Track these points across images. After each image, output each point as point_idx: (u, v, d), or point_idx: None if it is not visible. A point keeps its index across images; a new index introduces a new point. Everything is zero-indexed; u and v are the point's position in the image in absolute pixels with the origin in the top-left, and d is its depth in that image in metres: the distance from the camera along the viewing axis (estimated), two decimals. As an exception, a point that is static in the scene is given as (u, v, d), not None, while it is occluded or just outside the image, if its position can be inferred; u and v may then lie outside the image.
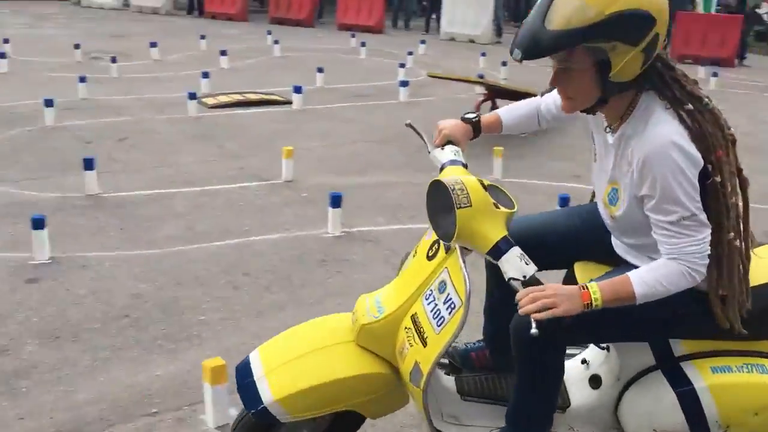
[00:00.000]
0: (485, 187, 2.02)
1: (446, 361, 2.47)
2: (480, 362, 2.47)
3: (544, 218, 2.41)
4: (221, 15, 17.89)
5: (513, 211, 2.04)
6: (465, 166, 2.20)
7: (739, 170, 1.99)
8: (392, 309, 2.22)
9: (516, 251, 1.94)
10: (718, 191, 1.90)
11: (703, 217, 1.88)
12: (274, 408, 2.19)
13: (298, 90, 8.52)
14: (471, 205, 1.95)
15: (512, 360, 2.24)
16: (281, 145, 5.99)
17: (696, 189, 1.86)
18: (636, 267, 2.03)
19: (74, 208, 5.01)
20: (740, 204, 1.98)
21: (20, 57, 10.56)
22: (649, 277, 1.92)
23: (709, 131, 1.87)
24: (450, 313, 2.06)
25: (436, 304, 2.11)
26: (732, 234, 1.95)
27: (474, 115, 2.33)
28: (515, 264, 1.94)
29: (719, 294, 2.01)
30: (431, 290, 2.15)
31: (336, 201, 4.71)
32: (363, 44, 13.09)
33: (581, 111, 2.01)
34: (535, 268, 1.94)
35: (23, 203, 5.00)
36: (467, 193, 1.97)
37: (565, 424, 2.37)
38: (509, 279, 1.94)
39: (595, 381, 2.40)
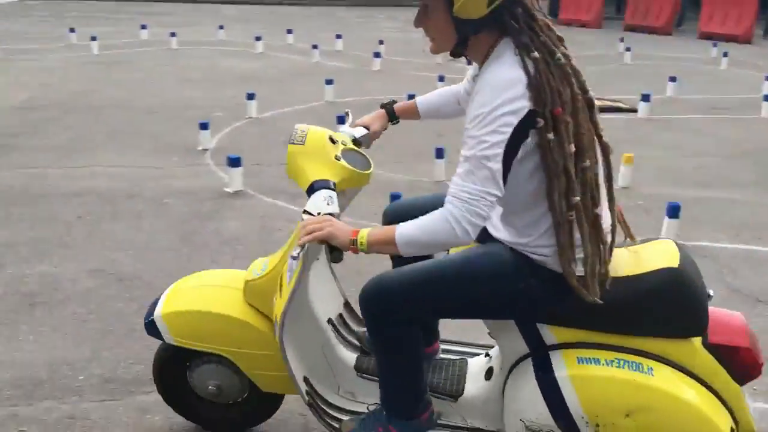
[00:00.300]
0: (333, 141, 2.21)
1: (357, 344, 2.52)
2: None
3: (428, 199, 2.38)
4: (575, 21, 18.01)
5: (359, 171, 2.19)
6: (357, 143, 2.40)
7: (599, 135, 1.88)
8: (271, 268, 2.32)
9: (325, 192, 2.07)
10: (553, 150, 1.79)
11: (496, 168, 1.76)
12: (160, 323, 2.40)
13: (646, 98, 8.31)
14: (303, 144, 2.15)
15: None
16: (621, 151, 5.95)
17: (503, 136, 1.75)
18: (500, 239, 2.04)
19: (421, 189, 5.62)
20: (597, 169, 1.88)
21: (391, 57, 11.91)
22: (415, 222, 1.85)
23: (551, 85, 1.77)
24: (295, 264, 2.13)
25: (292, 258, 2.18)
26: (577, 198, 1.83)
27: (389, 100, 2.47)
28: (317, 201, 2.05)
29: (572, 268, 1.89)
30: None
31: (674, 211, 4.57)
32: (725, 54, 12.18)
33: (451, 56, 1.98)
34: (337, 211, 2.05)
35: (385, 182, 5.76)
36: (305, 135, 2.17)
37: (458, 414, 2.32)
38: (304, 210, 2.04)
39: (489, 372, 2.32)
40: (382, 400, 2.24)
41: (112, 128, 7.13)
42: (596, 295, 1.90)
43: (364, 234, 1.90)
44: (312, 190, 2.11)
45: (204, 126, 6.52)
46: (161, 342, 2.49)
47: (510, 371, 2.15)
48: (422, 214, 1.98)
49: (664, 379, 1.97)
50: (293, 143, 2.18)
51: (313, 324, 2.39)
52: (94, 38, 11.75)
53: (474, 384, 2.34)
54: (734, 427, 2.02)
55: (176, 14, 17.89)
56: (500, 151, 1.76)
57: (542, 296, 1.99)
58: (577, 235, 1.88)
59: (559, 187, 1.83)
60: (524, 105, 1.76)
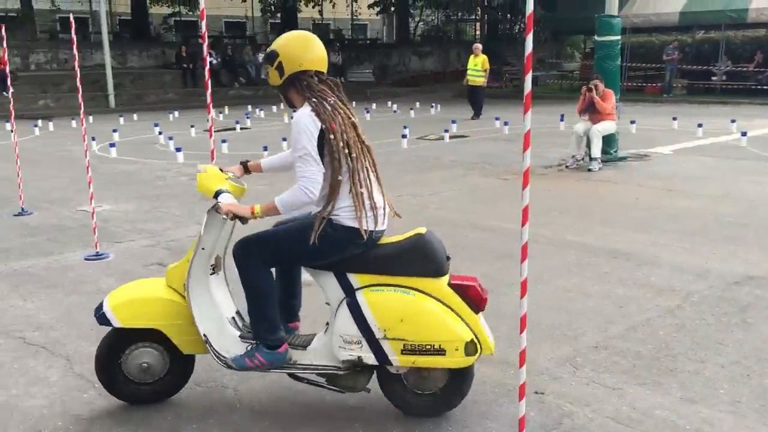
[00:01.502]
0: (223, 171, 3.43)
1: (241, 330, 3.44)
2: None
3: None
4: None
5: (240, 185, 3.41)
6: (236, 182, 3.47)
7: (362, 141, 3.24)
8: (184, 259, 3.41)
9: (227, 194, 3.26)
10: (332, 146, 3.11)
11: (316, 156, 3.10)
12: (109, 313, 3.34)
13: None
14: (206, 172, 3.34)
15: (287, 316, 3.52)
16: None
17: (313, 137, 3.09)
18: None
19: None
20: (362, 162, 3.19)
21: None
22: (285, 194, 3.14)
23: (327, 113, 3.13)
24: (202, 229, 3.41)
25: (207, 212, 3.39)
26: (340, 177, 3.13)
27: (245, 159, 3.68)
28: (227, 198, 3.23)
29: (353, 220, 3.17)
30: None
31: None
32: None
33: (289, 107, 3.33)
34: (233, 201, 3.24)
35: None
36: (205, 167, 3.38)
37: (307, 358, 3.35)
38: (213, 206, 3.24)
39: (328, 325, 3.35)
40: (252, 331, 3.36)
41: None
42: (365, 236, 3.17)
43: (257, 208, 3.19)
44: (217, 194, 3.27)
45: None
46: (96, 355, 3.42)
47: (335, 312, 3.22)
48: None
49: (420, 300, 3.18)
50: (199, 172, 3.38)
51: (212, 303, 3.37)
52: None
53: (318, 339, 3.40)
54: (476, 341, 3.16)
55: None
56: (314, 147, 3.10)
57: (334, 243, 3.17)
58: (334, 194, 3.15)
59: (335, 167, 3.13)
60: (316, 122, 3.12)
